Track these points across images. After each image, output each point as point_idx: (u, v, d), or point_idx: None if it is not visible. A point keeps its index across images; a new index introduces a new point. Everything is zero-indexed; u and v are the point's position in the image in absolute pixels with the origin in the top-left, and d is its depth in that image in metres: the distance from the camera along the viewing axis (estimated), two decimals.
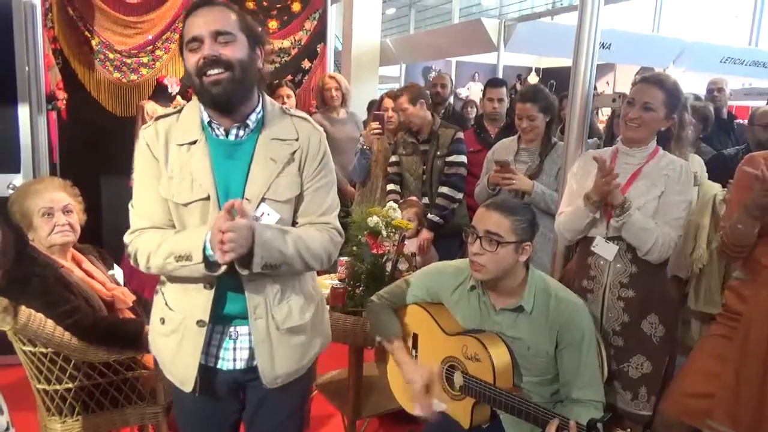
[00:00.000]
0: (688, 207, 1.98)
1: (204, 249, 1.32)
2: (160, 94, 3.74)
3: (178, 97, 3.77)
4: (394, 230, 2.31)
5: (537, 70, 8.94)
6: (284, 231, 1.40)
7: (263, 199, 1.40)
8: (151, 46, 3.98)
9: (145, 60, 4.00)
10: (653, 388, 1.96)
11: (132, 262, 1.44)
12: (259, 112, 1.45)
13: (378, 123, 3.43)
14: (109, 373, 1.91)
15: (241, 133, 1.43)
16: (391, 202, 2.59)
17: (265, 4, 4.41)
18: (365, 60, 6.41)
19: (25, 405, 1.92)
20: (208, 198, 1.38)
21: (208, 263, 1.33)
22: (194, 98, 1.46)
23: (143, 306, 2.07)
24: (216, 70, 1.34)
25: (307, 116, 1.53)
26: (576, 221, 2.00)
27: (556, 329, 1.69)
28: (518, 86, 8.11)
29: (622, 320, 1.96)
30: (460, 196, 3.15)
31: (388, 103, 3.54)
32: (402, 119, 3.25)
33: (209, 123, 1.42)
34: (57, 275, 1.85)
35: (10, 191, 2.40)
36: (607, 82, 8.73)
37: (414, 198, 3.10)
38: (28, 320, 1.72)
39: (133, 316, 2.02)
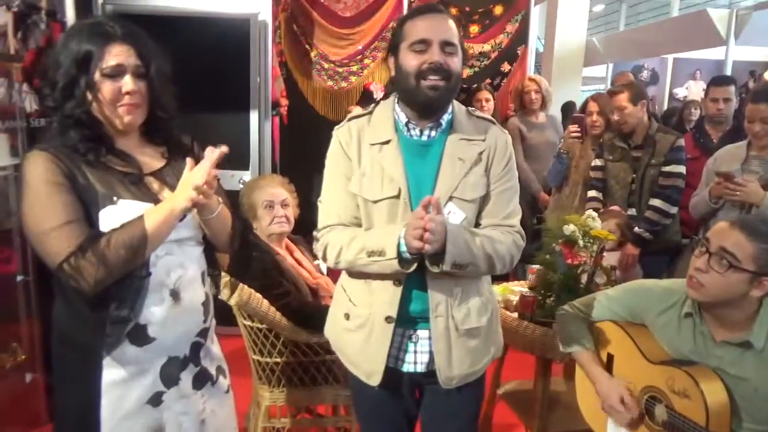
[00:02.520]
0: None
1: (398, 245, 1.37)
2: (366, 99, 4.00)
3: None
4: (592, 240, 2.17)
5: None
6: (473, 231, 1.43)
7: (450, 198, 1.43)
8: (360, 56, 4.30)
9: (354, 68, 4.33)
10: None
11: (320, 257, 1.54)
12: (450, 114, 1.50)
13: (577, 126, 3.26)
14: (310, 353, 2.09)
15: (433, 133, 1.48)
16: (591, 210, 2.44)
17: (467, 9, 4.47)
18: (568, 61, 6.14)
19: (242, 372, 2.21)
20: (397, 196, 1.43)
21: (401, 259, 1.38)
22: (387, 100, 1.54)
23: None
24: (437, 77, 1.39)
25: (492, 118, 1.57)
26: None
27: None
28: (750, 84, 7.04)
29: None
30: (674, 210, 2.82)
31: (593, 106, 3.31)
32: (617, 118, 2.90)
33: (406, 123, 1.48)
34: (273, 261, 2.09)
35: (240, 186, 2.77)
36: None
37: (617, 208, 2.86)
38: (249, 298, 1.97)
39: None
